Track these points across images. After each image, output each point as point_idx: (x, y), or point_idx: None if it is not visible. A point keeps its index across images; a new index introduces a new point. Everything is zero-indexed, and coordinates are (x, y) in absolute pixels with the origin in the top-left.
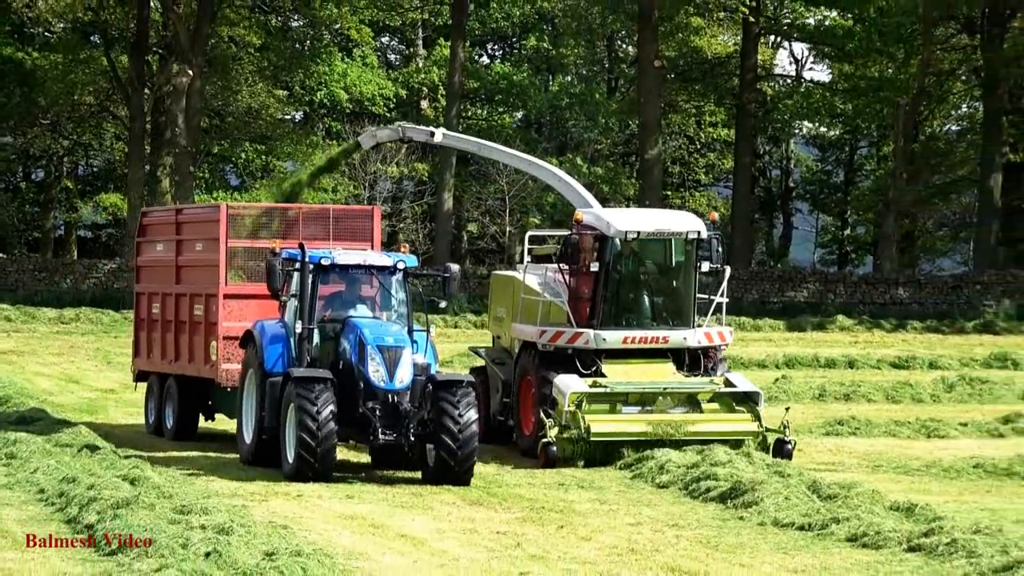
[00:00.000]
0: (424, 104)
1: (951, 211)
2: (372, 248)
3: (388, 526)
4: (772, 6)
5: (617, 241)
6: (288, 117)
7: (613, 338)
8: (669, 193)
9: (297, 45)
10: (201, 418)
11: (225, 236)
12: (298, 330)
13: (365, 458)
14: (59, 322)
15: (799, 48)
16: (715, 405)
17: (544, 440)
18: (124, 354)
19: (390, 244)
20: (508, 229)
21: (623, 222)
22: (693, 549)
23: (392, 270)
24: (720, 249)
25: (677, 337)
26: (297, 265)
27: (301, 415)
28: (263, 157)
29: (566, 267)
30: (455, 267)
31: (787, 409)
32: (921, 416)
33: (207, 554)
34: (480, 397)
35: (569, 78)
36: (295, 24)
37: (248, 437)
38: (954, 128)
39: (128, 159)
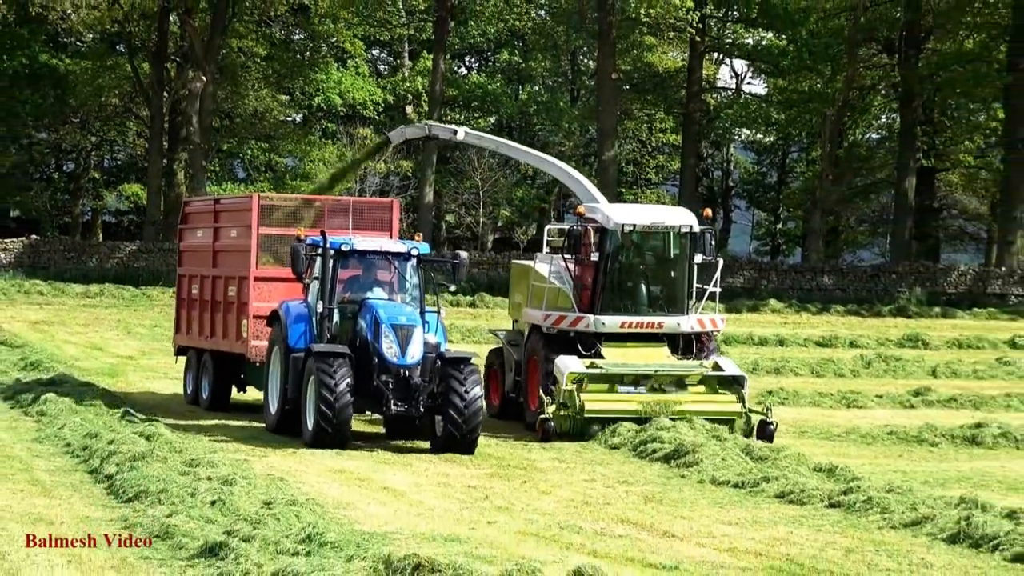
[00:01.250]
0: (409, 109)
1: (870, 209)
2: (391, 237)
3: (372, 479)
4: (716, 27)
5: (616, 233)
6: (289, 119)
7: (611, 323)
8: (623, 190)
9: (298, 55)
10: (234, 390)
11: (257, 224)
12: (319, 310)
13: (380, 429)
14: (85, 296)
15: (739, 64)
16: (703, 387)
17: (542, 416)
18: (142, 325)
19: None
20: (482, 220)
21: (621, 216)
22: (640, 503)
23: (406, 256)
24: (713, 243)
25: (671, 323)
26: (319, 251)
27: (320, 387)
28: (267, 154)
29: (570, 257)
30: (464, 254)
31: (770, 393)
32: (842, 389)
33: (213, 502)
34: (497, 376)
35: (537, 88)
36: (296, 37)
37: (273, 408)
38: (874, 136)
39: (148, 154)
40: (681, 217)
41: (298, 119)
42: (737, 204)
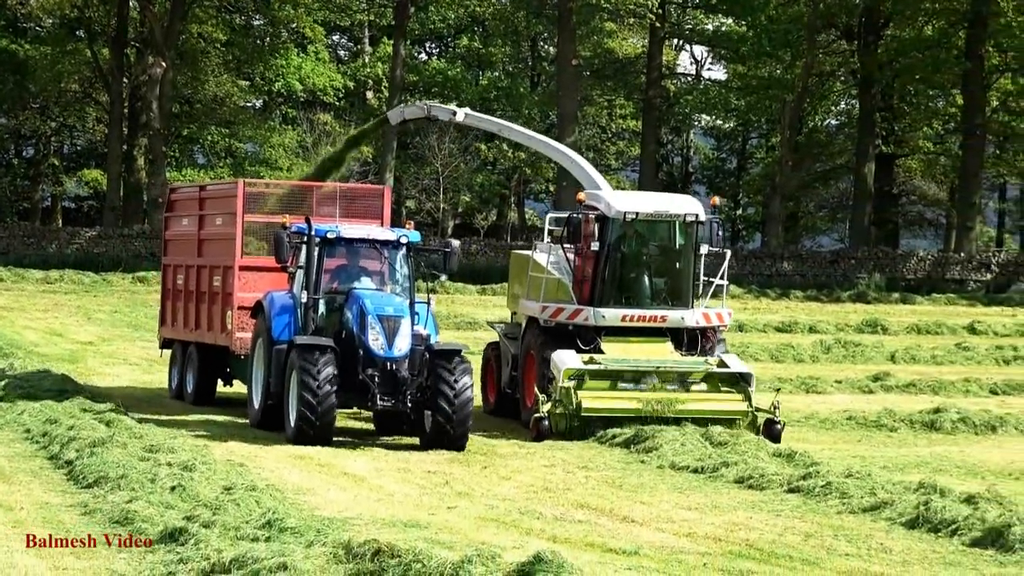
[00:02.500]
0: (370, 95)
1: (830, 195)
2: (382, 225)
3: (333, 465)
4: (676, 13)
5: (618, 221)
6: (249, 104)
7: (612, 316)
8: None
9: (258, 41)
10: (220, 384)
11: (242, 211)
12: (304, 300)
13: (369, 425)
14: (45, 282)
15: (699, 50)
16: (708, 384)
17: (536, 415)
18: (102, 311)
19: None
20: (442, 206)
21: (623, 203)
22: (600, 488)
23: (395, 244)
24: (720, 233)
25: (675, 317)
26: (304, 238)
27: (302, 381)
28: (226, 139)
29: (570, 246)
30: (456, 243)
31: (777, 390)
32: (801, 374)
33: (172, 488)
34: (493, 371)
35: (497, 74)
36: (256, 22)
37: (257, 402)
38: (833, 122)
39: (108, 139)
40: (687, 205)
41: (258, 105)
42: (697, 190)
